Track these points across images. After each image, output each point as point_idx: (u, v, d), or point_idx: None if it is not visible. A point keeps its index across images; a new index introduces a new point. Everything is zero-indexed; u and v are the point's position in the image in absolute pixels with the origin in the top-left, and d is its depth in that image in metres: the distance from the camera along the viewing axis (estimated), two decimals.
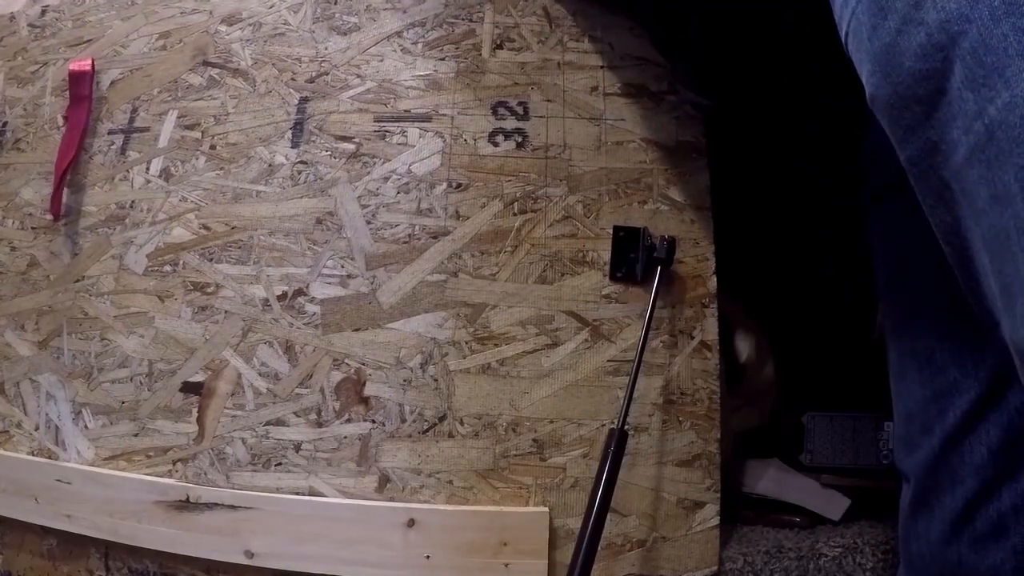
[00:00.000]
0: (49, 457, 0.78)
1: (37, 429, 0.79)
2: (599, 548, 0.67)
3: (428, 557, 0.72)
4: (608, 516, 0.68)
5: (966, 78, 0.36)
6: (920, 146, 0.40)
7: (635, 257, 0.77)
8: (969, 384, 0.57)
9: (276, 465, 0.76)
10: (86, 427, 0.78)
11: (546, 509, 0.74)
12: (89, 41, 0.88)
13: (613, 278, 0.78)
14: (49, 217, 0.83)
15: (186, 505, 0.74)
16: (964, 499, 0.59)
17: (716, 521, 0.75)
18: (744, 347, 0.84)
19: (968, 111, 0.36)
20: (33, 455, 0.79)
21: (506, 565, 0.72)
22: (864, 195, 0.67)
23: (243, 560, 0.72)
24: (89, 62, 0.85)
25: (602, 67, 0.83)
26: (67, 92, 0.85)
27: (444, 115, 0.82)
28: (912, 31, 0.38)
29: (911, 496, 0.64)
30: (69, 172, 0.83)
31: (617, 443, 0.69)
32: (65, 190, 0.84)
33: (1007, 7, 0.33)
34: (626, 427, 0.69)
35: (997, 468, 0.56)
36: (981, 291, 0.40)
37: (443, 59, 0.84)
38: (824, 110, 0.64)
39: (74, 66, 0.84)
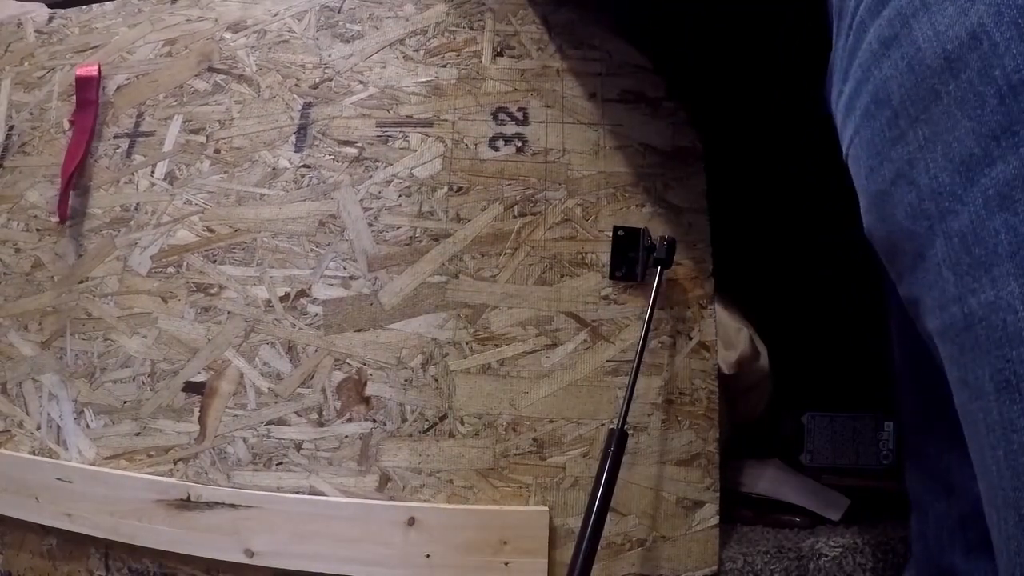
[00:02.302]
0: (50, 456, 0.78)
1: (39, 428, 0.80)
2: (599, 547, 0.67)
3: (428, 556, 0.72)
4: (608, 515, 0.69)
5: (948, 257, 0.34)
6: (907, 293, 0.40)
7: (635, 257, 0.78)
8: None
9: (277, 464, 0.76)
10: (88, 426, 0.79)
11: (546, 508, 0.74)
12: (96, 47, 0.90)
13: (613, 277, 0.79)
14: (55, 219, 0.84)
15: (187, 504, 0.74)
16: (959, 511, 0.59)
17: (715, 520, 0.76)
18: (736, 342, 0.84)
19: (946, 290, 0.35)
20: (34, 454, 0.79)
21: (506, 564, 0.72)
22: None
23: (243, 559, 0.72)
24: (96, 67, 0.86)
25: (600, 74, 0.84)
26: (73, 97, 0.87)
27: (445, 120, 0.83)
28: (904, 188, 0.37)
29: (913, 500, 0.64)
30: (76, 175, 0.84)
31: (617, 443, 0.69)
32: (71, 192, 0.85)
33: (1001, 200, 0.31)
34: (625, 427, 0.70)
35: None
36: None
37: (444, 66, 0.86)
38: (821, 113, 0.66)
39: (81, 71, 0.85)
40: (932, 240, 0.35)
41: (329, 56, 0.87)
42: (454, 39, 0.86)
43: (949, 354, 0.36)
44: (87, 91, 0.85)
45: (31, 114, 0.89)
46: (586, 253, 0.80)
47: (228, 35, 0.88)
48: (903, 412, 0.66)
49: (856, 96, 0.41)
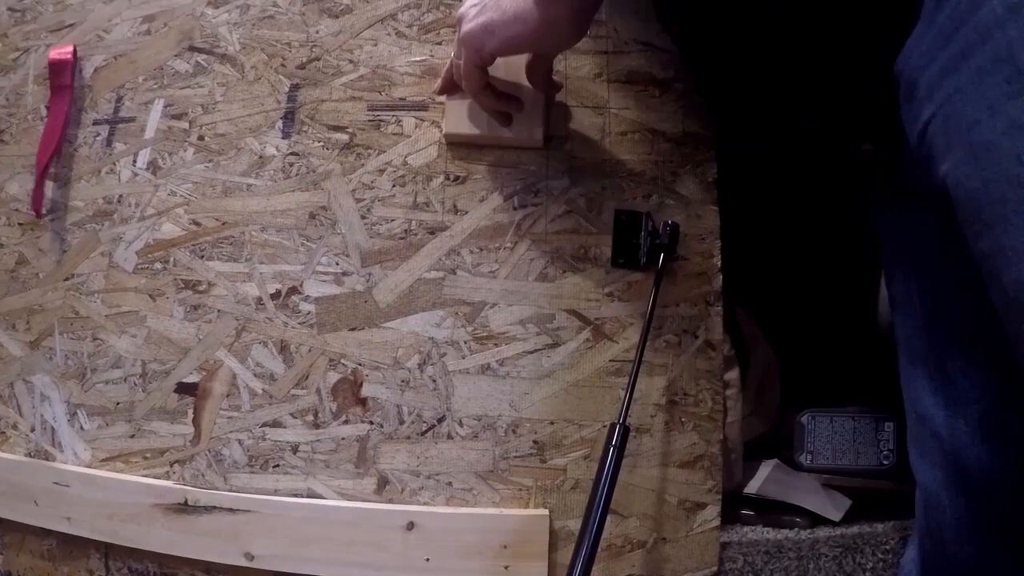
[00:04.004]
0: (46, 458, 0.77)
1: (33, 430, 0.79)
2: (599, 549, 0.66)
3: (428, 560, 0.72)
4: (609, 517, 0.67)
5: None
6: (991, 245, 0.42)
7: (637, 243, 0.75)
8: (979, 395, 0.56)
9: (274, 467, 0.75)
10: (82, 428, 0.78)
11: (546, 511, 0.73)
12: (71, 25, 0.84)
13: (615, 264, 0.76)
14: (17, 208, 0.81)
15: (185, 508, 0.73)
16: (975, 503, 0.59)
17: (717, 522, 0.74)
18: (754, 356, 0.82)
19: None
20: (30, 456, 0.78)
21: (506, 567, 0.71)
22: (876, 199, 0.65)
23: (243, 562, 0.72)
24: (70, 49, 0.81)
25: (606, 52, 0.79)
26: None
27: (441, 103, 0.78)
28: (1019, 137, 0.40)
29: (925, 498, 0.63)
30: (51, 166, 0.80)
31: (619, 438, 0.67)
32: (51, 184, 0.81)
33: None
34: (627, 423, 0.67)
35: (1007, 478, 0.56)
36: None
37: (439, 43, 0.80)
38: (824, 108, 0.61)
39: (55, 54, 0.81)
40: None
41: (317, 33, 0.81)
42: (449, 13, 0.80)
43: None
44: (61, 76, 0.80)
45: (7, 100, 0.84)
46: (589, 247, 0.76)
47: (209, 11, 0.83)
48: (917, 413, 0.63)
49: (963, 58, 0.44)
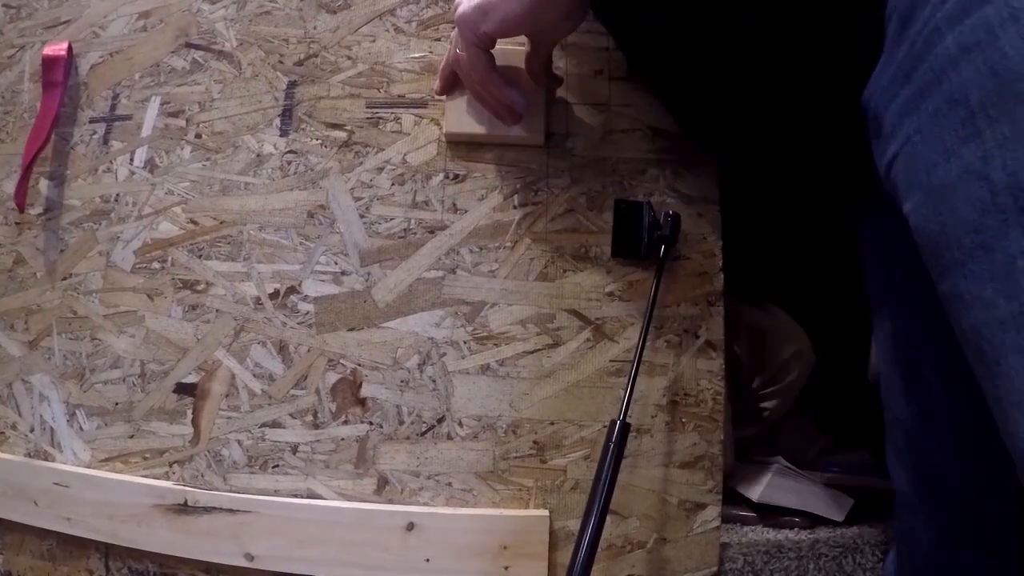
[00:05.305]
0: (45, 459, 0.77)
1: (32, 431, 0.78)
2: (599, 549, 0.66)
3: (428, 560, 0.72)
4: (609, 517, 0.67)
5: None
6: (950, 288, 0.42)
7: (638, 233, 0.74)
8: (954, 403, 0.57)
9: (273, 467, 0.75)
10: (81, 428, 0.77)
11: (546, 512, 0.73)
12: (67, 22, 0.83)
13: (615, 255, 0.75)
14: (13, 207, 0.80)
15: (184, 509, 0.73)
16: (948, 507, 0.59)
17: (717, 523, 0.74)
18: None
19: (1020, 280, 0.37)
20: (30, 456, 0.78)
21: (506, 568, 0.71)
22: (858, 206, 0.65)
23: (244, 563, 0.72)
24: (65, 46, 0.80)
25: (607, 49, 0.78)
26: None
27: (440, 100, 0.78)
28: (974, 183, 0.39)
29: (901, 501, 0.64)
30: (37, 163, 0.79)
31: (619, 434, 0.66)
32: (47, 183, 0.81)
33: None
34: (627, 420, 0.67)
35: (981, 482, 0.56)
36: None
37: (439, 39, 0.79)
38: (805, 118, 0.60)
39: (48, 51, 0.80)
40: (1005, 232, 0.38)
41: (314, 29, 0.80)
42: (448, 9, 0.79)
43: (1016, 346, 0.38)
44: (54, 72, 0.79)
45: (2, 97, 0.83)
46: (590, 246, 0.76)
47: (206, 6, 0.82)
48: (893, 416, 0.63)
49: (921, 97, 0.43)
